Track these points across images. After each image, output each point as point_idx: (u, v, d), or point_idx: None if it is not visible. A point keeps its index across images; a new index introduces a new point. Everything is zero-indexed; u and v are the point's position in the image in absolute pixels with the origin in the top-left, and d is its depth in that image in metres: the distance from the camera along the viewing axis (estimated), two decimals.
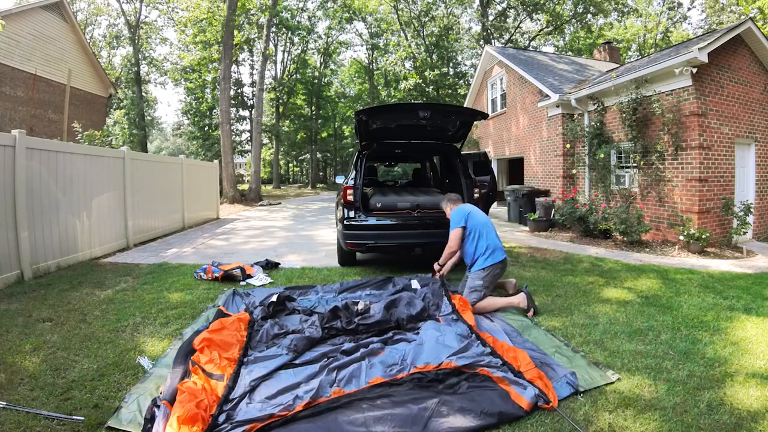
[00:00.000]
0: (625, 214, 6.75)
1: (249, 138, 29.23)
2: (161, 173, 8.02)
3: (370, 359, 2.52)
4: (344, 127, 35.51)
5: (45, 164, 4.82)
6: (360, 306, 3.18)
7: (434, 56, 27.77)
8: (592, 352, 2.74)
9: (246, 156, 33.98)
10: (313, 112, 32.94)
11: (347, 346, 2.69)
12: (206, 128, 26.61)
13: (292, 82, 30.12)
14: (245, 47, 25.47)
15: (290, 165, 45.09)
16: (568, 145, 9.23)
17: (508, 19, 26.39)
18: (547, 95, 9.48)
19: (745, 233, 6.72)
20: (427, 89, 25.58)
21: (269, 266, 5.24)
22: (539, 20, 26.64)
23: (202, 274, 4.69)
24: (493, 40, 25.34)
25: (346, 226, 4.87)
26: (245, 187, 20.72)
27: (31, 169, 4.59)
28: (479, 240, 3.77)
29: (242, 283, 4.54)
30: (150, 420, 1.93)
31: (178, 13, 22.69)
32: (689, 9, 35.91)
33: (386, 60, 30.45)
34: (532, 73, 10.64)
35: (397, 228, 4.88)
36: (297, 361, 2.53)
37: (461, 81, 28.22)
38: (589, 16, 25.36)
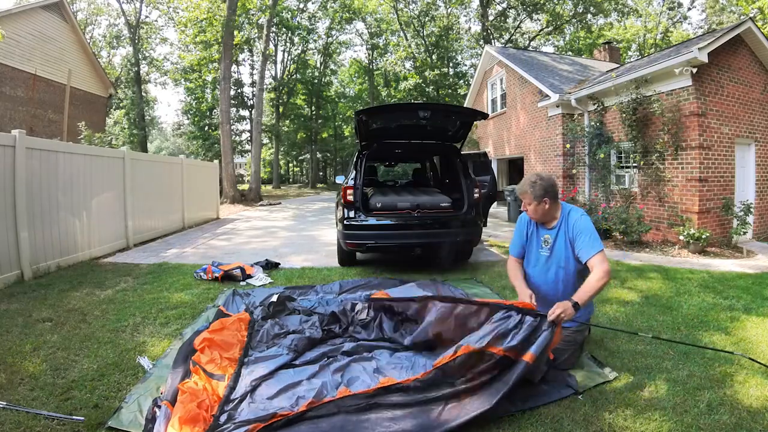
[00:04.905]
0: (625, 214, 6.75)
1: (249, 138, 29.25)
2: (161, 173, 8.02)
3: (374, 358, 2.52)
4: (344, 127, 35.50)
5: (45, 164, 4.82)
6: (359, 315, 3.06)
7: (434, 56, 27.77)
8: (592, 351, 2.74)
9: (246, 156, 34.01)
10: (313, 112, 32.94)
11: (348, 346, 2.69)
12: (206, 128, 26.66)
13: (292, 82, 30.15)
14: (245, 47, 25.51)
15: (290, 165, 45.08)
16: (568, 145, 9.23)
17: (508, 19, 26.40)
18: (547, 95, 9.48)
19: (745, 233, 6.72)
20: (427, 89, 25.59)
21: (269, 266, 5.24)
22: (539, 20, 26.65)
23: (202, 274, 4.69)
24: (493, 40, 25.33)
25: (346, 226, 4.87)
26: (245, 187, 20.73)
27: (31, 169, 4.59)
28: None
29: (242, 283, 4.54)
30: (151, 420, 1.92)
31: (178, 13, 22.71)
32: (689, 9, 35.75)
33: (386, 60, 30.46)
34: (532, 73, 10.64)
35: (397, 228, 4.88)
36: (297, 361, 2.52)
37: (461, 81, 28.23)
38: (589, 16, 25.38)
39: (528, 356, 2.09)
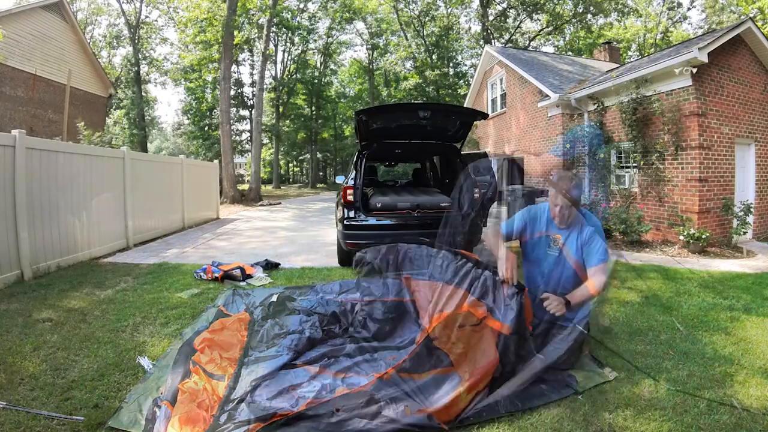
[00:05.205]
0: (625, 214, 6.75)
1: (249, 138, 29.24)
2: (161, 173, 8.02)
3: (372, 355, 2.53)
4: (344, 127, 35.50)
5: (45, 164, 4.82)
6: (358, 315, 3.09)
7: (434, 56, 27.78)
8: (592, 351, 2.74)
9: (246, 156, 33.99)
10: (313, 112, 32.93)
11: (349, 348, 2.68)
12: (206, 128, 26.67)
13: (292, 82, 30.13)
14: (245, 47, 25.48)
15: (290, 165, 45.06)
16: (567, 145, 9.22)
17: (508, 19, 26.38)
18: (547, 95, 9.47)
19: (745, 233, 6.72)
20: (427, 89, 25.59)
21: (269, 266, 5.24)
22: (539, 20, 26.64)
23: (202, 274, 4.69)
24: (493, 40, 25.33)
25: (346, 226, 4.87)
26: (245, 187, 20.72)
27: (31, 169, 4.59)
28: None
29: (242, 283, 4.54)
30: (151, 420, 1.93)
31: (178, 13, 22.70)
32: (689, 9, 35.72)
33: (386, 60, 30.45)
34: (532, 73, 10.64)
35: (397, 228, 4.88)
36: (298, 362, 2.52)
37: (461, 81, 28.22)
38: (589, 16, 25.35)
39: (505, 329, 2.17)
